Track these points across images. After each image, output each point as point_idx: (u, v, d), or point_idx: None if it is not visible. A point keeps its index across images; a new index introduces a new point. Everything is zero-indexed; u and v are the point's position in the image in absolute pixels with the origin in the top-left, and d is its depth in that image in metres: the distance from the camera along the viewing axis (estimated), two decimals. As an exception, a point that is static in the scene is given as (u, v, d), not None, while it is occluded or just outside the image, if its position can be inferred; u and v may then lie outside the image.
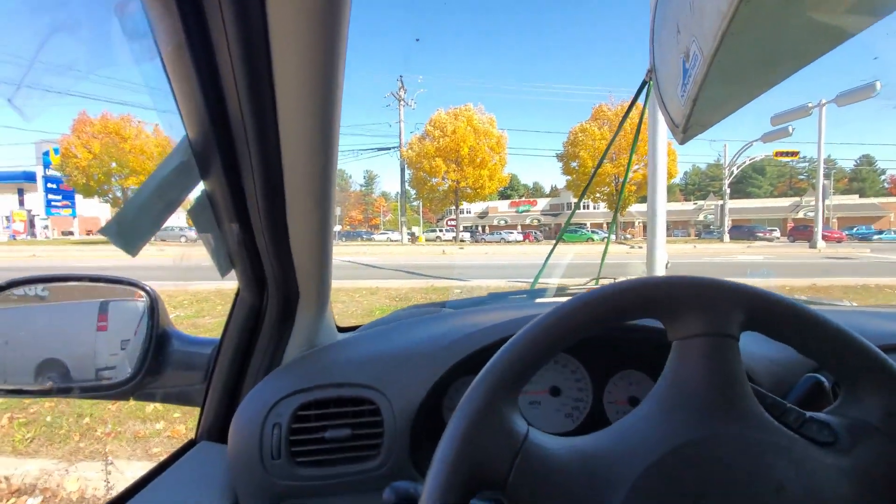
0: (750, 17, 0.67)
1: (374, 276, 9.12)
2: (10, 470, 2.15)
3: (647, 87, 1.42)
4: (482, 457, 0.33)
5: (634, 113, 1.72)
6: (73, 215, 35.83)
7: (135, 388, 0.66)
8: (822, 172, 20.72)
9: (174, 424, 2.59)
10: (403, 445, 0.62)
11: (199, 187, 0.49)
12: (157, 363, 0.68)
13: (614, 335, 0.71)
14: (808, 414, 0.38)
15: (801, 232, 28.86)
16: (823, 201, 21.59)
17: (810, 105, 14.31)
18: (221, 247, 0.57)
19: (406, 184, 31.29)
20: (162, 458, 0.65)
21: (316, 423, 0.62)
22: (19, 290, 0.70)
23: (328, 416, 0.62)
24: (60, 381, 0.69)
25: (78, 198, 31.14)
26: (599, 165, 2.29)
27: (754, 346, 0.64)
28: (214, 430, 0.68)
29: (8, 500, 2.02)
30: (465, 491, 0.32)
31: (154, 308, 0.68)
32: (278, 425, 0.60)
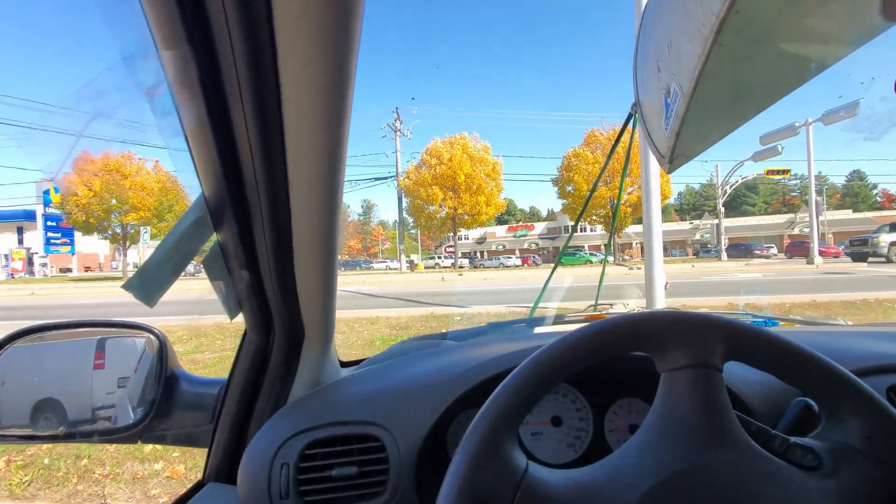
0: (723, 58, 0.71)
1: (373, 305, 9.09)
2: (5, 516, 2.11)
3: (633, 118, 1.48)
4: (484, 493, 0.35)
5: (623, 140, 1.77)
6: (72, 252, 35.89)
7: (143, 430, 0.67)
8: (813, 189, 21.00)
9: (173, 464, 2.54)
10: (409, 481, 0.62)
11: (213, 238, 0.52)
12: (167, 405, 0.69)
13: (612, 364, 0.73)
14: (793, 439, 0.39)
15: (797, 248, 29.00)
16: (817, 217, 21.78)
17: (797, 124, 14.63)
18: (231, 292, 0.59)
19: (404, 212, 31.54)
20: (162, 500, 0.65)
21: (323, 461, 0.63)
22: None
23: (335, 454, 0.63)
24: (58, 422, 0.69)
25: (77, 235, 31.23)
26: (593, 191, 2.34)
27: (747, 372, 0.66)
28: (222, 470, 0.68)
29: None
30: None
31: (163, 351, 0.70)
32: (286, 465, 0.61)
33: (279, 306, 0.60)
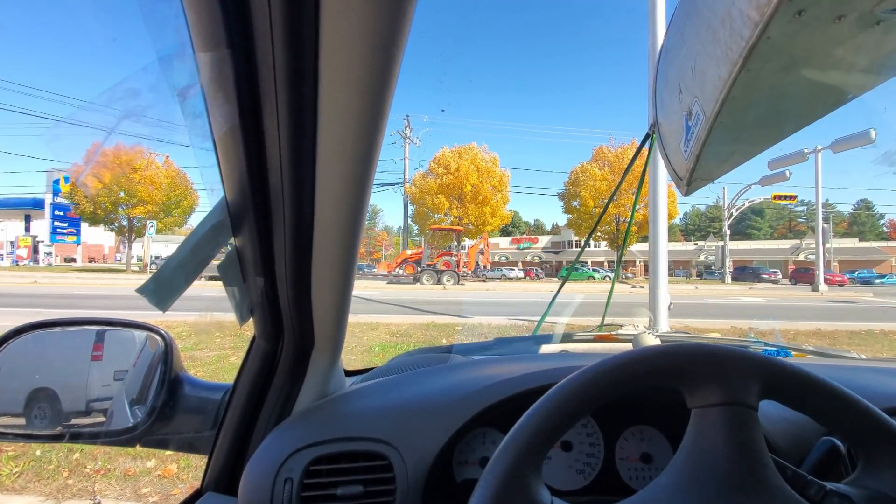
0: (750, 84, 0.70)
1: (374, 310, 9.07)
2: (-6, 507, 2.08)
3: (650, 139, 1.47)
4: None
5: (638, 161, 1.76)
6: (78, 242, 36.08)
7: (143, 434, 0.65)
8: (820, 216, 20.92)
9: (165, 463, 2.52)
10: (416, 502, 0.60)
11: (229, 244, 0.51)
12: (169, 410, 0.68)
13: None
14: (829, 486, 0.37)
15: (802, 274, 28.83)
16: (824, 245, 21.68)
17: (806, 151, 14.63)
18: (244, 297, 0.58)
19: (409, 219, 31.58)
20: (153, 500, 0.63)
21: (328, 478, 0.61)
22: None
23: (340, 471, 0.61)
24: (51, 412, 0.67)
25: (83, 225, 31.43)
26: (605, 211, 2.33)
27: (771, 408, 0.64)
28: (222, 480, 0.66)
29: (-11, 539, 1.94)
30: None
31: (168, 353, 0.69)
32: (290, 480, 0.59)
33: (291, 315, 0.59)
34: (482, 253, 23.47)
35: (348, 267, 0.54)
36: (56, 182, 29.58)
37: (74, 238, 34.45)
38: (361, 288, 16.18)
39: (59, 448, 2.62)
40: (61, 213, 31.82)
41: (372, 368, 0.94)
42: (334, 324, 0.64)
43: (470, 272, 23.14)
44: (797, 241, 40.96)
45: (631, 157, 1.82)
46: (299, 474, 0.60)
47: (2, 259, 33.26)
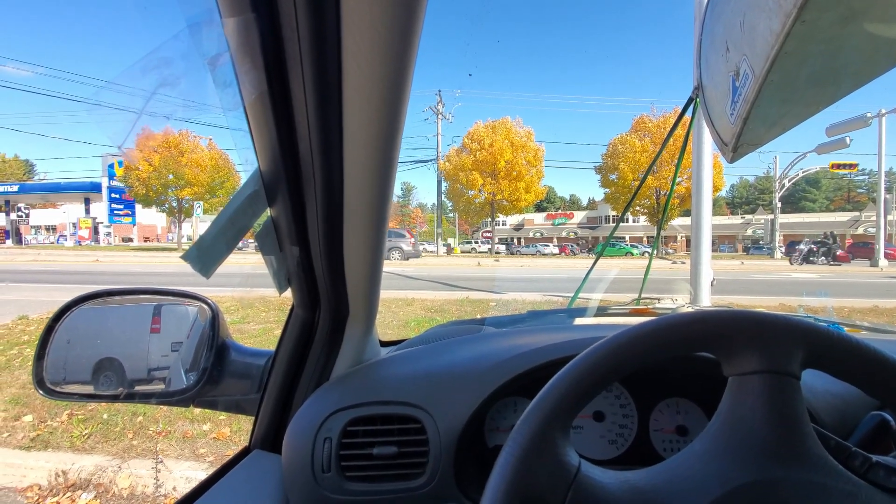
0: (805, 37, 0.65)
1: (410, 286, 9.21)
2: (67, 465, 2.30)
3: (693, 103, 1.39)
4: (535, 489, 0.33)
5: (680, 130, 1.68)
6: (133, 223, 38.31)
7: (195, 395, 0.70)
8: (883, 186, 19.36)
9: (220, 427, 2.70)
10: (448, 465, 0.62)
11: (266, 213, 0.53)
12: (217, 373, 0.73)
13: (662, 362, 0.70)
14: (875, 458, 0.36)
15: (860, 248, 26.90)
16: (885, 216, 20.11)
17: (869, 115, 13.47)
18: (282, 267, 0.61)
19: (442, 196, 31.56)
20: (209, 460, 0.68)
21: (364, 438, 0.64)
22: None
23: (375, 432, 0.64)
24: (116, 380, 0.74)
25: (137, 207, 33.25)
26: (643, 182, 2.24)
27: (815, 380, 0.61)
28: (268, 439, 0.71)
29: (64, 495, 2.14)
30: None
31: (216, 321, 0.73)
32: (329, 439, 0.62)
33: (326, 284, 0.61)
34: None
35: (378, 237, 0.55)
36: (111, 166, 31.31)
37: (130, 219, 36.51)
38: (395, 265, 16.42)
39: (125, 412, 2.85)
40: (117, 196, 33.72)
41: (407, 339, 0.96)
42: (367, 293, 0.66)
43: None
44: (856, 214, 38.17)
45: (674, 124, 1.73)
46: (337, 434, 0.63)
47: (66, 240, 35.79)
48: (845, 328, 1.05)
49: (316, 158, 0.43)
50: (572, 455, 0.36)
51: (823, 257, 20.02)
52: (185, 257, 0.46)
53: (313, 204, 0.49)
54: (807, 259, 20.17)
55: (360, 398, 0.65)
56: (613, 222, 43.62)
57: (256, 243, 0.55)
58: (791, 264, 19.84)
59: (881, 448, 0.41)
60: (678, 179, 25.16)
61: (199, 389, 0.70)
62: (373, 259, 0.59)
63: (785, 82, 0.72)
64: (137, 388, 0.74)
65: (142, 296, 0.81)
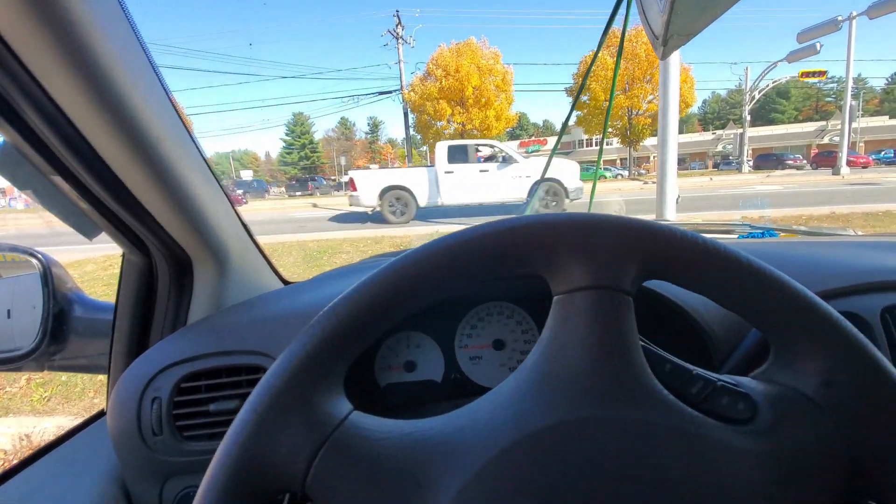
0: None
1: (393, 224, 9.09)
2: (29, 428, 2.26)
3: (628, -2, 1.24)
4: (273, 456, 0.26)
5: (628, 32, 1.53)
6: None
7: (40, 358, 0.61)
8: (849, 92, 19.47)
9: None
10: None
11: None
12: (60, 332, 0.63)
13: None
14: (720, 381, 0.29)
15: (824, 158, 27.52)
16: (850, 124, 20.44)
17: (840, 18, 13.18)
18: (72, 209, 0.50)
19: (411, 129, 30.45)
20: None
21: (207, 394, 0.57)
22: None
23: (220, 386, 0.57)
24: None
25: None
26: (611, 101, 2.12)
27: None
28: None
29: (30, 456, 2.13)
30: (246, 499, 0.26)
31: (47, 274, 0.63)
32: (157, 399, 0.55)
33: (138, 227, 0.52)
34: None
35: (170, 168, 0.47)
36: None
37: None
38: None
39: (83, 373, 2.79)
40: None
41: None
42: (200, 236, 0.57)
43: None
44: (822, 123, 38.61)
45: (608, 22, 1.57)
46: (168, 393, 0.56)
47: None
48: (780, 234, 1.01)
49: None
50: (338, 406, 0.29)
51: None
52: None
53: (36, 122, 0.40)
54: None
55: (198, 350, 0.57)
56: (587, 146, 43.28)
57: (5, 176, 0.44)
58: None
59: (762, 363, 0.35)
60: (650, 97, 24.74)
61: (42, 350, 0.60)
62: (188, 204, 0.50)
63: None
64: None
65: None
